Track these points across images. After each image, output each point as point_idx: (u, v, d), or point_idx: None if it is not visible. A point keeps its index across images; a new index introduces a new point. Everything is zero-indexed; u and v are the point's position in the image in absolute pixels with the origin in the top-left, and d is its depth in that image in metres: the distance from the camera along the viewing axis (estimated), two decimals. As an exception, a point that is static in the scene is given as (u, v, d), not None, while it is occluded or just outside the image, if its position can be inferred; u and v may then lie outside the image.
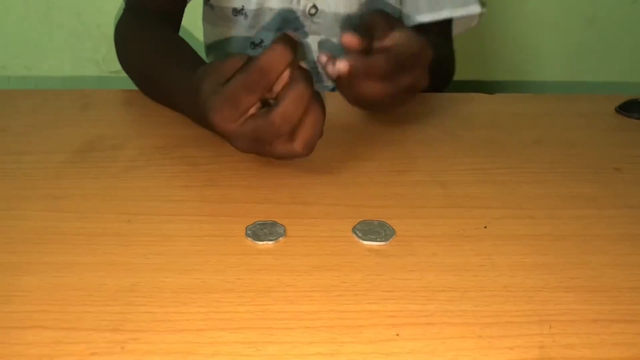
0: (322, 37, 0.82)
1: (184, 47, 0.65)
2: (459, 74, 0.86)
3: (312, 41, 0.82)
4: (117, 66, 0.73)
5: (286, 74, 0.46)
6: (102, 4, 1.46)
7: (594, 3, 1.50)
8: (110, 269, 0.40)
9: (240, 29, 0.85)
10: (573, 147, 0.59)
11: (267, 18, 0.83)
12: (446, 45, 0.83)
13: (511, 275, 0.40)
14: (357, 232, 0.44)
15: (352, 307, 0.37)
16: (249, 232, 0.44)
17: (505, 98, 0.72)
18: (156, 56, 0.65)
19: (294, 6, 0.81)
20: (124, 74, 0.72)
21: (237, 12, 0.84)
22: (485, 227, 0.46)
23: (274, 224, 0.45)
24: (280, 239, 0.43)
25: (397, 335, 0.35)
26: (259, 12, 0.82)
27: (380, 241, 0.43)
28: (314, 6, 0.80)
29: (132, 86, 0.71)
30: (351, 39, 0.51)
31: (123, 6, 0.79)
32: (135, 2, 0.78)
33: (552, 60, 1.56)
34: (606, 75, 1.57)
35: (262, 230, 0.44)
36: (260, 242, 0.43)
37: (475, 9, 0.79)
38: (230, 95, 0.46)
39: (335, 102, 0.58)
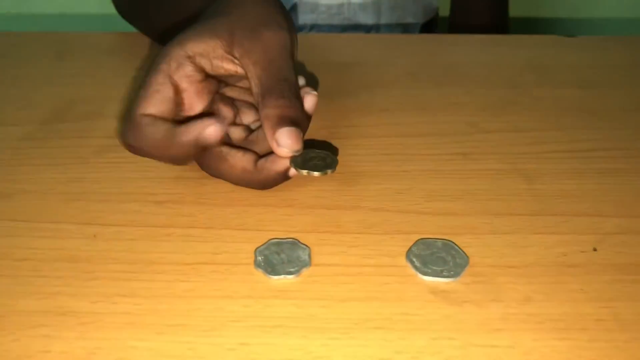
0: None
1: None
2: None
3: None
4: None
5: None
6: None
7: None
8: (58, 324, 0.28)
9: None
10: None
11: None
12: None
13: (645, 336, 0.27)
14: (414, 259, 0.31)
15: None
16: (259, 257, 0.31)
17: (593, 42, 0.56)
18: None
19: None
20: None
21: None
22: (594, 250, 0.32)
23: (294, 243, 0.32)
24: (304, 270, 0.30)
25: None
26: None
27: (447, 276, 0.30)
28: None
29: (129, 28, 0.57)
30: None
31: None
32: None
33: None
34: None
35: (279, 256, 0.31)
36: (275, 277, 0.30)
37: None
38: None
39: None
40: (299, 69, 0.38)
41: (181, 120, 0.35)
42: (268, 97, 0.34)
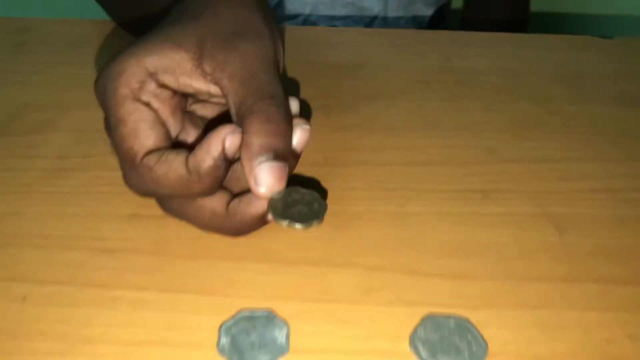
0: None
1: None
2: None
3: None
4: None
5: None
6: None
7: None
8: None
9: None
10: None
11: None
12: None
13: None
14: (421, 346, 0.25)
15: None
16: (224, 339, 0.25)
17: (636, 45, 0.48)
18: None
19: None
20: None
21: None
22: (645, 334, 0.26)
23: (269, 318, 0.26)
24: (280, 359, 0.24)
25: None
26: None
27: (461, 372, 0.24)
28: None
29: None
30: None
31: None
32: None
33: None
34: None
35: (249, 337, 0.25)
36: (244, 369, 0.24)
37: None
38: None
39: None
40: (284, 76, 0.31)
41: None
42: (249, 120, 0.27)
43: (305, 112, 0.38)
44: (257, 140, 0.26)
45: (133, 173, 0.27)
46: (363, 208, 0.32)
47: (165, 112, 0.29)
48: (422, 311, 0.26)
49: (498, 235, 0.30)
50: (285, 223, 0.26)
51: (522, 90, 0.42)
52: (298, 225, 0.26)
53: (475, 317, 0.26)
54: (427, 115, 0.39)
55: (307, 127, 0.29)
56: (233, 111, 0.28)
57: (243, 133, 0.27)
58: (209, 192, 0.27)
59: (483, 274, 0.28)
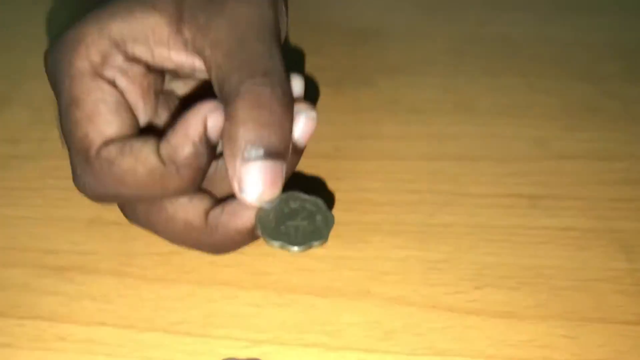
0: None
1: None
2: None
3: None
4: None
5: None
6: None
7: None
8: None
9: None
10: None
11: None
12: None
13: None
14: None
15: None
16: (200, 401, 0.19)
17: None
18: None
19: None
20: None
21: None
22: None
23: (260, 372, 0.20)
24: None
25: None
26: None
27: None
28: None
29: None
30: None
31: None
32: None
33: None
34: None
35: (232, 399, 0.19)
36: None
37: None
38: None
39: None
40: (286, 45, 0.24)
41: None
42: (234, 105, 0.20)
43: (311, 91, 0.32)
44: (244, 131, 0.20)
45: (87, 169, 0.21)
46: (381, 216, 0.25)
47: (134, 93, 0.22)
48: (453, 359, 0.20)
49: (550, 258, 0.24)
50: (277, 244, 0.20)
51: (573, 65, 0.35)
52: (294, 248, 0.20)
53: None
54: (459, 95, 0.32)
55: (313, 114, 0.22)
56: (217, 90, 0.21)
57: (226, 121, 0.20)
58: (189, 188, 0.21)
59: (533, 312, 0.22)
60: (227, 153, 0.20)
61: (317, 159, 0.28)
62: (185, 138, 0.20)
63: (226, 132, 0.20)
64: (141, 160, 0.20)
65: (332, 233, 0.20)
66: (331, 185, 0.27)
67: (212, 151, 0.21)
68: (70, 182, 0.26)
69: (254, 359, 0.20)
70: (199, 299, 0.22)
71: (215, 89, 0.21)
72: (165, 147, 0.20)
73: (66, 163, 0.27)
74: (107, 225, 0.25)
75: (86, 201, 0.25)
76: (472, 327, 0.22)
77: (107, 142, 0.21)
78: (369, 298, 0.22)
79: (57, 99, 0.22)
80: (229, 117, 0.20)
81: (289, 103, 0.21)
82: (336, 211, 0.26)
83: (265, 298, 0.22)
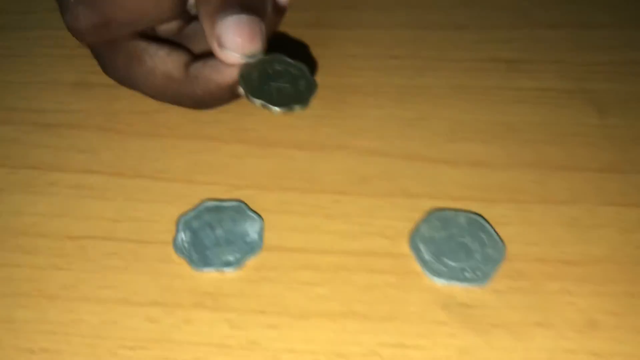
0: None
1: None
2: None
3: None
4: None
5: None
6: None
7: None
8: None
9: None
10: None
11: None
12: None
13: None
14: (422, 246, 0.20)
15: None
16: (182, 234, 0.20)
17: None
18: None
19: None
20: None
21: None
22: (699, 237, 0.21)
23: (239, 210, 0.21)
24: (250, 257, 0.20)
25: None
26: None
27: (471, 279, 0.19)
28: None
29: None
30: None
31: None
32: None
33: None
34: None
35: (213, 232, 0.20)
36: (205, 269, 0.19)
37: None
38: None
39: None
40: None
41: None
42: None
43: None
44: None
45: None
46: (362, 80, 0.26)
47: None
48: (427, 204, 0.21)
49: (524, 114, 0.25)
50: (259, 102, 0.21)
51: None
52: (275, 109, 0.21)
53: (492, 213, 0.21)
54: (445, -32, 0.32)
55: None
56: None
57: None
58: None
59: (504, 161, 0.23)
60: (202, 12, 0.20)
61: (301, 29, 0.28)
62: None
63: None
64: None
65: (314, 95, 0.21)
66: (314, 51, 0.27)
67: None
68: (56, 50, 0.27)
69: (236, 200, 0.21)
70: (182, 151, 0.23)
71: None
72: None
73: (50, 32, 0.28)
74: (93, 87, 0.25)
75: (72, 65, 0.26)
76: (442, 174, 0.23)
77: None
78: (347, 150, 0.23)
79: None
80: None
81: None
82: (319, 76, 0.26)
83: (247, 151, 0.23)
